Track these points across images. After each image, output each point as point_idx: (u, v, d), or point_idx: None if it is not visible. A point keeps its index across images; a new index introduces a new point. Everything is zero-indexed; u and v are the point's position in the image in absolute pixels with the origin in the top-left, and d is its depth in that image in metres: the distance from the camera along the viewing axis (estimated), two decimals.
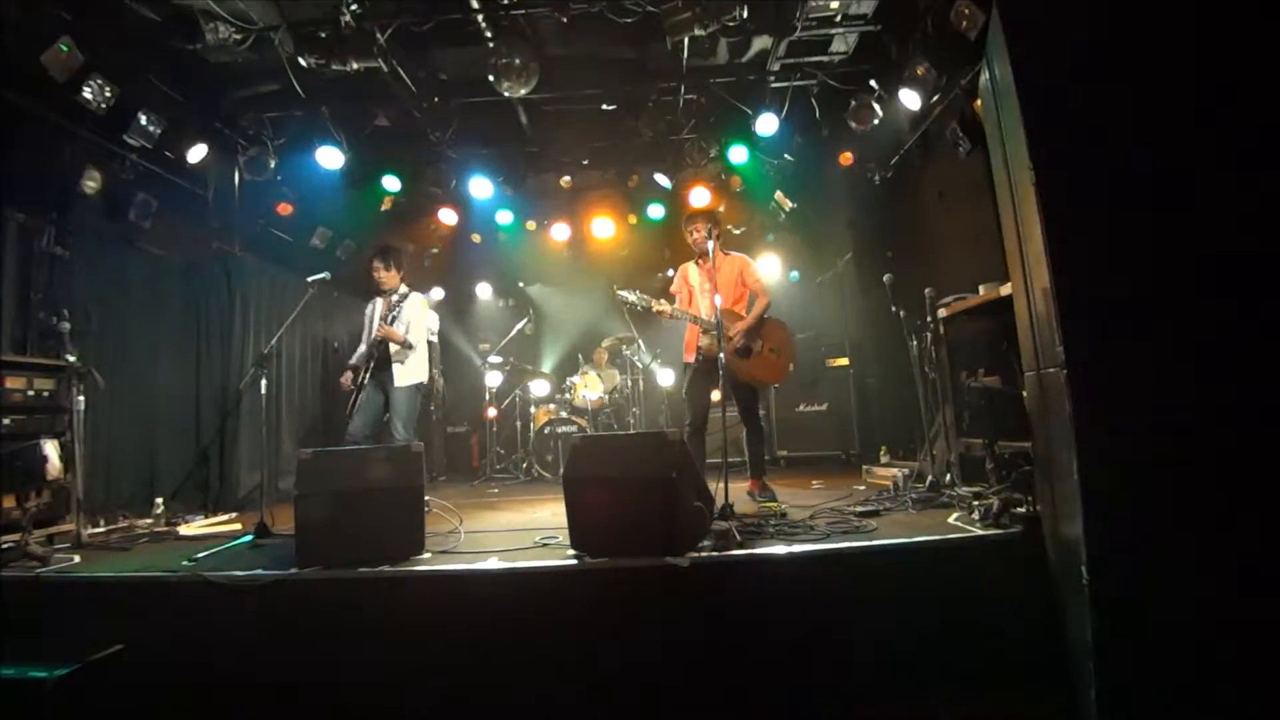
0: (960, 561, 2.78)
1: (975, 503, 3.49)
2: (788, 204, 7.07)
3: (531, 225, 7.73)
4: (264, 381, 4.22)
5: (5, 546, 3.33)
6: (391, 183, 6.50)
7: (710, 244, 4.04)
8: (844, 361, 7.10)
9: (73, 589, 2.98)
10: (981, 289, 4.14)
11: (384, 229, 7.38)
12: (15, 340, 4.21)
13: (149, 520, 4.54)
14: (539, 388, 7.28)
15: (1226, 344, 2.06)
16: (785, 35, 4.90)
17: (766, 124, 5.66)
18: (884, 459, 5.52)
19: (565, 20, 4.52)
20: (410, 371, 4.70)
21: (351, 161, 5.89)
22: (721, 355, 3.78)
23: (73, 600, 2.90)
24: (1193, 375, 2.07)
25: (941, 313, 4.41)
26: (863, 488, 4.81)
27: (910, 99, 4.83)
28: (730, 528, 3.14)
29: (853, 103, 5.31)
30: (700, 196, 7.02)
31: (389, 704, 2.62)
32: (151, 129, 4.59)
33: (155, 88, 4.69)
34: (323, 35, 4.51)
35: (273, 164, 5.70)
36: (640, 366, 6.74)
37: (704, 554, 2.87)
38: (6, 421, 3.66)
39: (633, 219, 7.54)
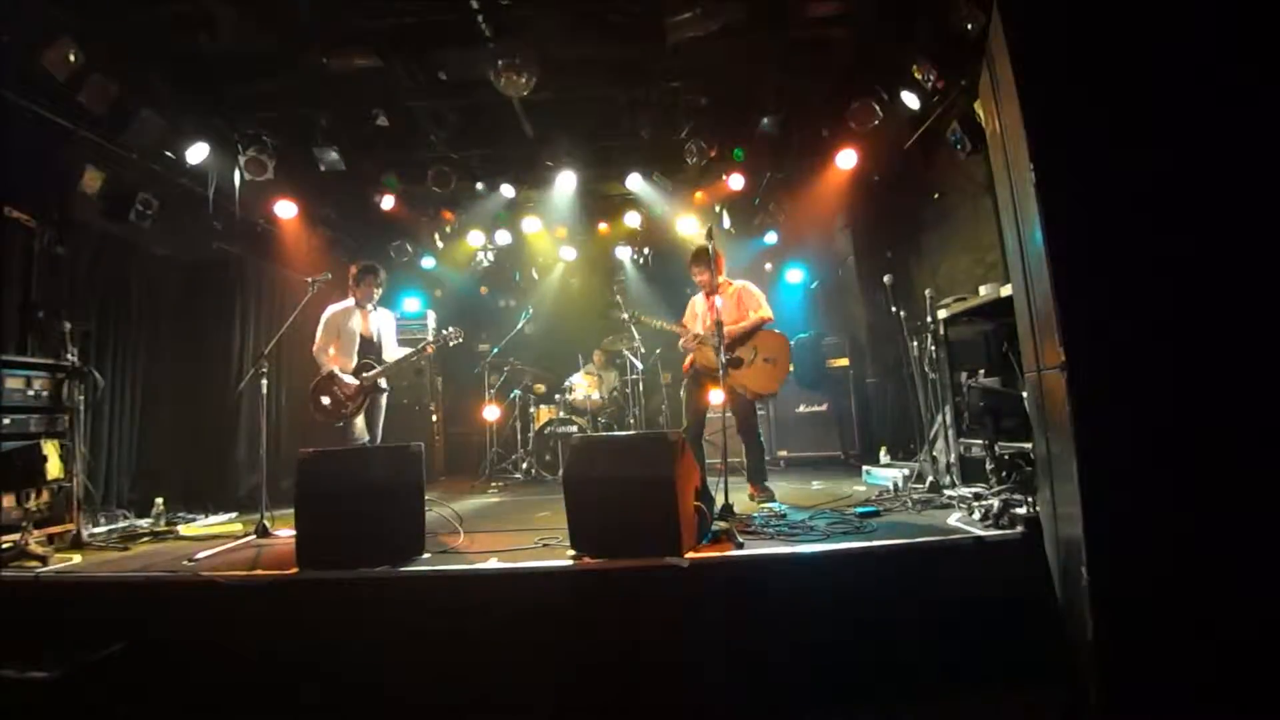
0: (960, 562, 2.78)
1: (975, 503, 3.50)
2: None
3: (531, 225, 7.71)
4: (264, 381, 4.23)
5: (5, 546, 3.34)
6: (390, 184, 6.49)
7: (712, 276, 4.41)
8: (844, 362, 7.11)
9: (73, 589, 2.99)
10: (981, 289, 4.14)
11: (384, 228, 7.38)
12: (15, 340, 4.21)
13: (149, 520, 4.55)
14: (538, 388, 7.25)
15: (1227, 344, 2.06)
16: (785, 35, 4.90)
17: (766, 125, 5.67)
18: (884, 459, 5.52)
19: (565, 20, 4.52)
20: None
21: (351, 161, 5.88)
22: (722, 358, 3.94)
23: (73, 600, 2.90)
24: (1193, 376, 2.07)
25: (941, 313, 4.41)
26: (863, 488, 4.82)
27: (910, 99, 4.83)
28: (730, 528, 3.16)
29: (853, 103, 5.30)
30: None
31: (389, 704, 2.62)
32: (152, 129, 4.59)
33: (155, 87, 4.68)
34: (322, 35, 4.51)
35: (272, 164, 5.69)
36: (640, 367, 6.73)
37: (704, 554, 2.87)
38: (6, 421, 3.66)
39: (633, 219, 7.54)
